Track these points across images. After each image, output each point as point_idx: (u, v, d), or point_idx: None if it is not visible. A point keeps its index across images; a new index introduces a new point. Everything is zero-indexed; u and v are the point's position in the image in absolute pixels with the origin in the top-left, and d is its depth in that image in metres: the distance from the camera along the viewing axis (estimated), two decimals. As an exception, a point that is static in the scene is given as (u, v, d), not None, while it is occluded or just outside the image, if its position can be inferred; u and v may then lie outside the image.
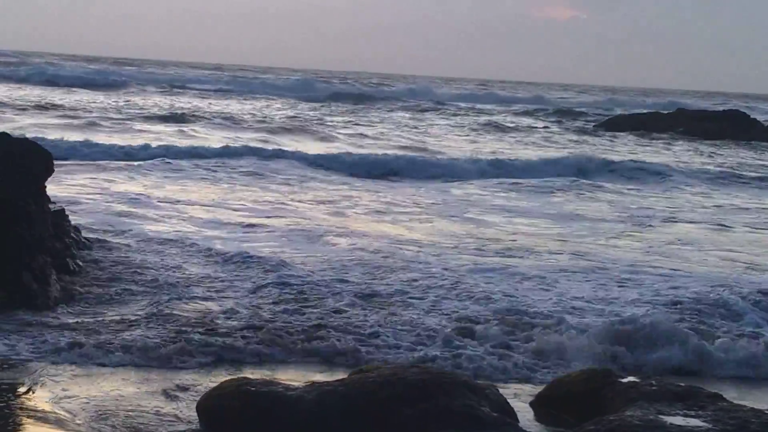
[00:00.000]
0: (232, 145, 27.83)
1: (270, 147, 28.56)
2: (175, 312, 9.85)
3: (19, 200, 10.50)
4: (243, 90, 67.01)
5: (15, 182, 10.60)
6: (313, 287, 11.08)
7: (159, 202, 17.33)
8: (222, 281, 11.20)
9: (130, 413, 7.11)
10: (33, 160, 11.05)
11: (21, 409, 6.97)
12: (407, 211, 18.42)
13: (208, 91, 64.06)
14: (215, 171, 22.62)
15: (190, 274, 11.51)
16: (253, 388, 7.10)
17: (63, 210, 12.02)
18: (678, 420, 6.69)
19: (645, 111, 57.78)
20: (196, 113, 41.32)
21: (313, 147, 29.76)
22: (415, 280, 11.80)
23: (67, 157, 22.84)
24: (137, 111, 41.35)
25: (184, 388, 7.77)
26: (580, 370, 8.00)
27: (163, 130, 33.01)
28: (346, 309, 10.35)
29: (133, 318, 9.61)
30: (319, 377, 8.04)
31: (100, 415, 7.01)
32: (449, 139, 36.86)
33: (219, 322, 9.51)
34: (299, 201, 18.77)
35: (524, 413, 7.51)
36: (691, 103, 76.36)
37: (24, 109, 37.62)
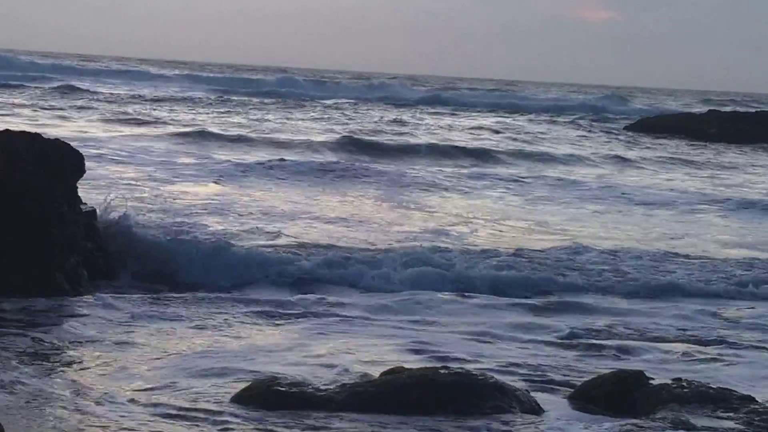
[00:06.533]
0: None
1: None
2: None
3: (51, 201, 10.57)
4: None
5: (47, 183, 10.67)
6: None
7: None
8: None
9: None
10: (65, 160, 11.12)
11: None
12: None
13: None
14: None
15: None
16: (282, 389, 7.13)
17: (95, 210, 12.08)
18: (709, 422, 6.67)
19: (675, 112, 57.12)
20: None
21: None
22: None
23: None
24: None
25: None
26: (612, 371, 7.97)
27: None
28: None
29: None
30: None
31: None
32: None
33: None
34: None
35: (560, 409, 7.53)
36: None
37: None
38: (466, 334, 10.10)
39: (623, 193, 22.91)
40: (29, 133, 11.43)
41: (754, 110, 55.32)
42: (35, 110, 34.71)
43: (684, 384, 7.37)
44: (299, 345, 9.20)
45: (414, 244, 14.44)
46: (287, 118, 39.92)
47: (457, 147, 31.08)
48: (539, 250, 14.64)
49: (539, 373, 8.66)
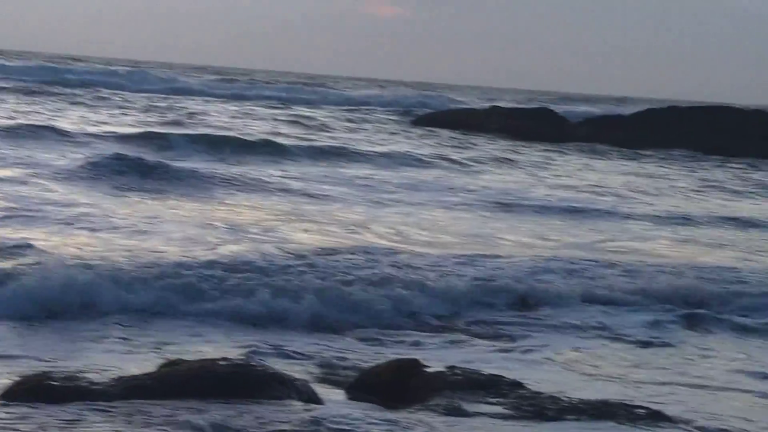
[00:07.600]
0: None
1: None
2: None
3: None
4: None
5: None
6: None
7: None
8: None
9: None
10: None
11: None
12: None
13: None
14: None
15: None
16: (56, 383, 6.97)
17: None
18: (480, 408, 6.91)
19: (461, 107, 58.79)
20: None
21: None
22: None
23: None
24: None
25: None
26: (389, 361, 8.14)
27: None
28: None
29: None
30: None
31: None
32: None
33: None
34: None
35: (338, 398, 7.66)
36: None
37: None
38: (251, 323, 10.16)
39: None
40: None
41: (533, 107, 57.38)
42: None
43: (457, 371, 7.61)
44: (75, 343, 9.03)
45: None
46: (71, 107, 38.81)
47: (262, 141, 30.45)
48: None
49: (323, 364, 8.78)
